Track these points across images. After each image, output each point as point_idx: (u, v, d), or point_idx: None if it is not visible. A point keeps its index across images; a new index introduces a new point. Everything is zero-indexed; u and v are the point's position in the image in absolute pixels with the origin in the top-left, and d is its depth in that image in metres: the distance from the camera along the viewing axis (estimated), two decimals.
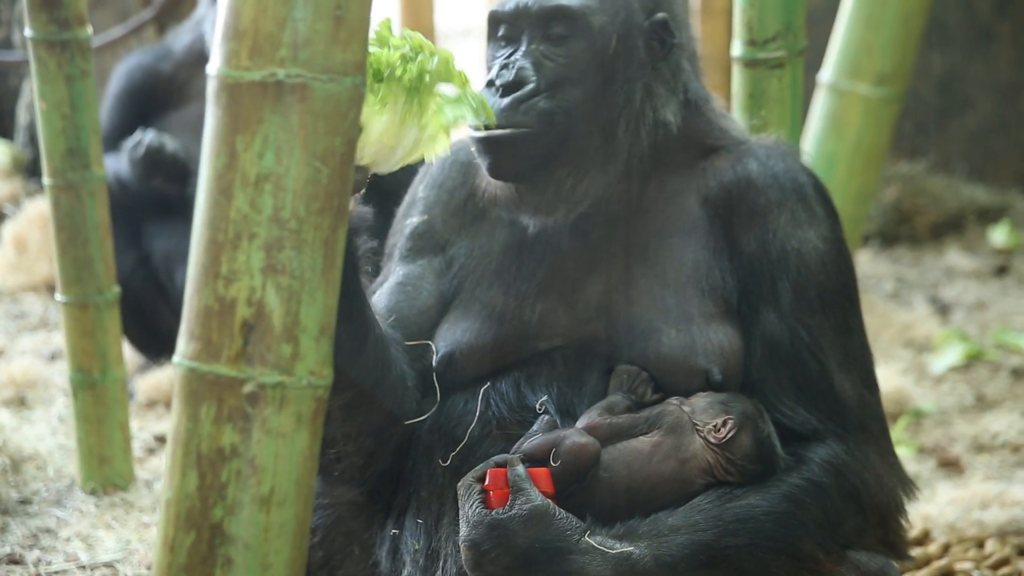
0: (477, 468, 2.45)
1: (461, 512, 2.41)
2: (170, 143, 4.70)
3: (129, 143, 4.71)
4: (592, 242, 2.67)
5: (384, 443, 2.62)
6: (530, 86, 2.58)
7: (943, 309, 5.61)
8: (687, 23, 2.77)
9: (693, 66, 2.75)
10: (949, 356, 4.96)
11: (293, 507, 2.36)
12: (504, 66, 2.60)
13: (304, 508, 2.38)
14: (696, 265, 2.62)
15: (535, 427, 2.53)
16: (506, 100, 2.57)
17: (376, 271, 2.79)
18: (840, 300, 2.63)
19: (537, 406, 2.57)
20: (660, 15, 2.66)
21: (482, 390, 2.60)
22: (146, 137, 4.69)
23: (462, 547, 2.40)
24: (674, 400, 2.53)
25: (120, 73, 4.97)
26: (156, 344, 4.90)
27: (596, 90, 2.61)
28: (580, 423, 2.52)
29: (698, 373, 2.56)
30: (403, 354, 2.64)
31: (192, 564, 2.34)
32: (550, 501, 2.39)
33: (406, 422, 2.61)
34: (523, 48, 2.61)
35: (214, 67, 2.34)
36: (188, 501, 2.34)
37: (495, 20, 2.65)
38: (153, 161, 4.68)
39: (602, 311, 2.62)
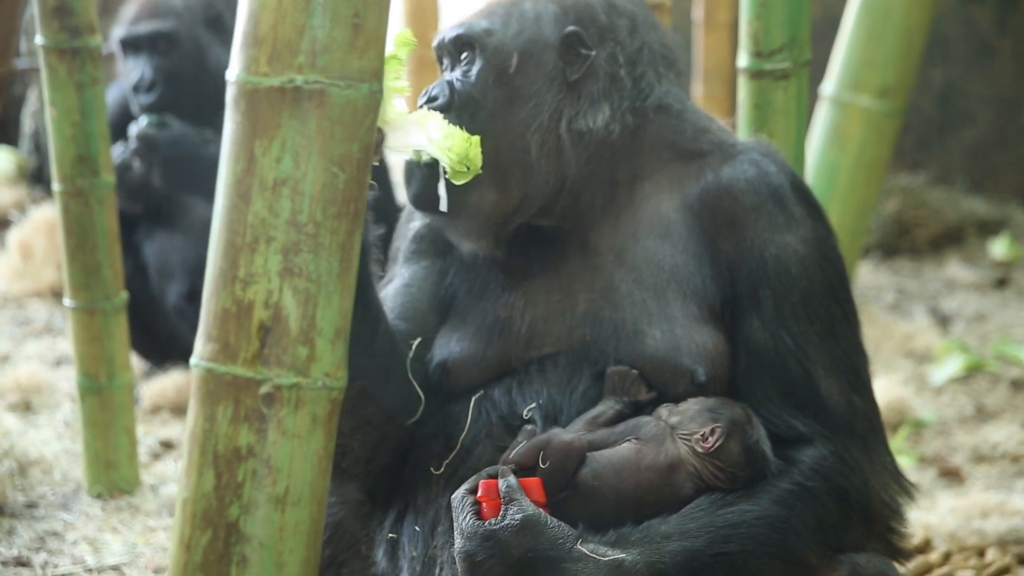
0: (470, 480, 2.47)
1: (455, 524, 2.42)
2: (139, 164, 4.68)
3: None
4: (572, 250, 2.68)
5: (386, 438, 2.64)
6: (441, 100, 2.62)
7: (943, 320, 5.63)
8: (642, 30, 2.73)
9: (658, 71, 2.73)
10: (949, 367, 4.97)
11: (308, 507, 2.39)
12: (427, 93, 2.66)
13: (318, 508, 2.41)
14: (676, 269, 2.62)
15: (519, 437, 2.55)
16: None
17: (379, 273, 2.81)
18: (825, 302, 2.62)
19: (524, 413, 2.59)
20: (570, 28, 2.66)
21: (474, 399, 2.63)
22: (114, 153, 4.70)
23: (457, 559, 2.41)
24: (663, 409, 2.55)
25: None
26: (159, 350, 4.92)
27: (501, 109, 2.62)
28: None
29: (683, 373, 2.57)
30: (409, 353, 2.66)
31: (208, 562, 2.37)
32: (542, 510, 2.40)
33: (406, 422, 2.64)
34: (444, 76, 2.67)
35: (233, 73, 2.36)
36: (204, 500, 2.37)
37: (437, 55, 2.72)
38: (120, 180, 4.69)
39: (587, 317, 2.63)
